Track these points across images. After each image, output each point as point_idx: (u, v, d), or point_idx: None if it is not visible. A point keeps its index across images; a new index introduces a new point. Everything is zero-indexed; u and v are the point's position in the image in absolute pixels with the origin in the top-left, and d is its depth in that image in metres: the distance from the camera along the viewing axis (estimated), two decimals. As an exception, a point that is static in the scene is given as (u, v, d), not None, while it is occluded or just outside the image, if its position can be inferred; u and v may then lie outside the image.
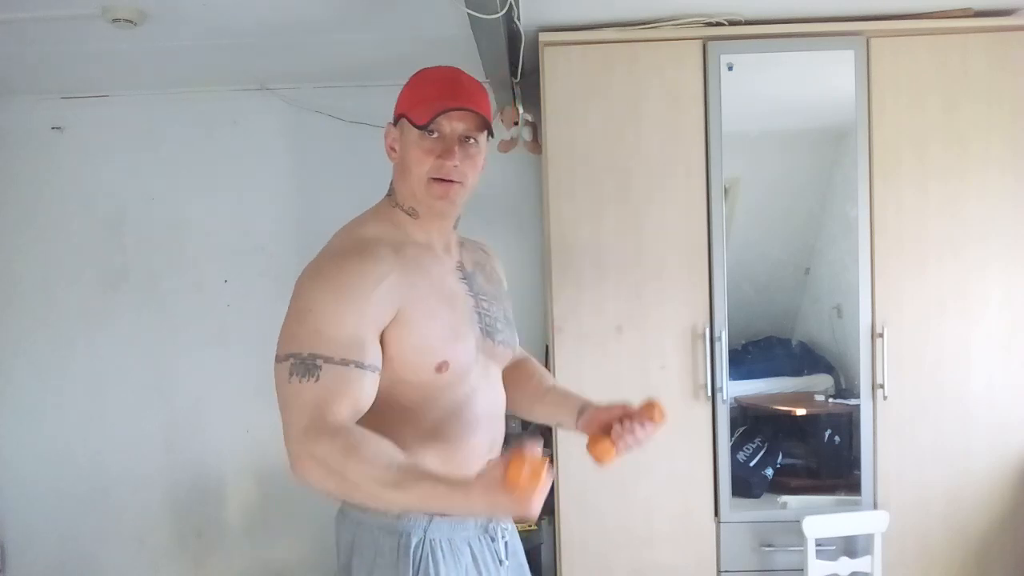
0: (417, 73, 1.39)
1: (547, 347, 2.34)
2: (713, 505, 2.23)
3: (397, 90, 1.52)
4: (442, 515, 1.32)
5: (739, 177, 2.27)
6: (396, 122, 1.38)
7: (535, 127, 2.51)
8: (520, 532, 2.39)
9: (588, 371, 2.22)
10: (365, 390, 1.21)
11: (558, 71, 2.20)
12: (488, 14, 1.82)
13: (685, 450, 2.22)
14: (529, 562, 2.50)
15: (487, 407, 1.41)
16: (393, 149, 1.38)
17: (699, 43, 2.18)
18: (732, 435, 2.25)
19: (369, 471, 1.12)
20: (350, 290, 1.23)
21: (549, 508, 2.46)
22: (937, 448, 2.20)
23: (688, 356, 2.21)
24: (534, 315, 2.83)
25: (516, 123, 2.54)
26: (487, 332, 1.42)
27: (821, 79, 2.26)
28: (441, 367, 1.30)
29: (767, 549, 2.22)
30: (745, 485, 2.25)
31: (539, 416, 1.65)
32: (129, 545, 2.94)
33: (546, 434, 2.51)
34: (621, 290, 2.21)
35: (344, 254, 1.29)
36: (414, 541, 1.32)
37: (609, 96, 2.20)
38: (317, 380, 1.18)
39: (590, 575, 2.24)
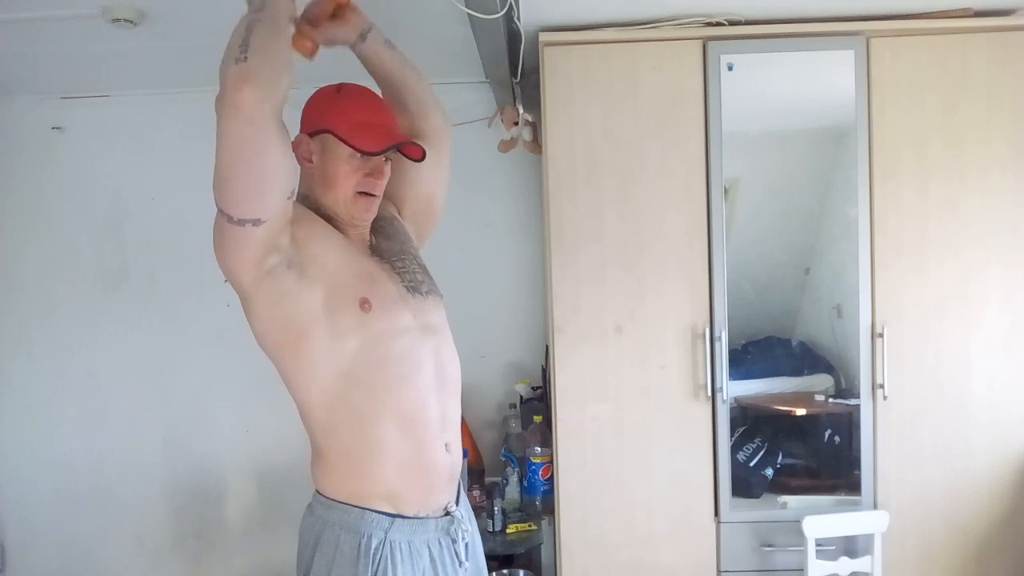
0: (337, 91, 1.47)
1: (547, 347, 2.34)
2: (713, 505, 2.23)
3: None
4: (402, 517, 1.40)
5: (739, 177, 2.27)
6: (313, 135, 1.44)
7: (535, 127, 2.51)
8: (520, 532, 2.41)
9: (588, 371, 2.22)
10: None
11: (558, 71, 2.20)
12: (488, 14, 1.83)
13: (685, 450, 2.22)
14: (529, 562, 2.53)
15: (436, 377, 1.47)
16: (309, 160, 1.45)
17: (699, 43, 2.18)
18: (732, 435, 2.25)
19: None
20: None
21: (549, 508, 2.47)
22: (937, 448, 2.20)
23: (688, 356, 2.21)
24: (534, 315, 2.83)
25: (516, 123, 2.54)
26: (412, 288, 1.49)
27: (821, 79, 2.25)
28: (363, 304, 1.38)
29: (767, 549, 2.22)
30: (745, 485, 2.25)
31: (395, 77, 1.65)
32: (129, 545, 2.94)
33: (546, 433, 2.52)
34: (621, 290, 2.21)
35: None
36: (374, 543, 1.37)
37: (609, 96, 2.20)
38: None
39: (590, 575, 2.24)
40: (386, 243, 1.55)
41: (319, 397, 1.39)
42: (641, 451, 2.23)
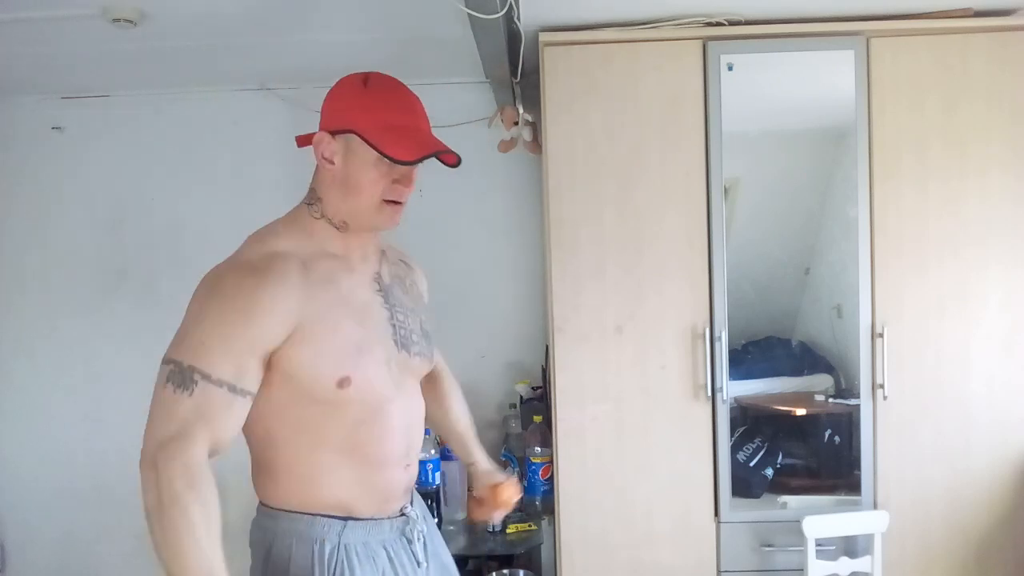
0: (363, 84, 1.34)
1: (547, 347, 2.35)
2: (713, 505, 2.23)
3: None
4: (355, 519, 1.35)
5: (739, 177, 2.27)
6: (335, 133, 1.32)
7: (535, 127, 2.51)
8: (520, 532, 2.41)
9: (588, 371, 2.22)
10: (234, 415, 1.24)
11: (558, 71, 2.20)
12: (488, 14, 1.83)
13: (685, 450, 2.22)
14: (529, 562, 2.53)
15: (402, 417, 1.40)
16: (331, 162, 1.33)
17: (699, 43, 2.18)
18: (732, 435, 2.25)
19: (185, 536, 1.18)
20: (242, 313, 1.23)
21: (549, 508, 2.46)
22: (937, 448, 2.20)
23: (688, 356, 2.21)
24: (534, 315, 2.83)
25: (516, 123, 2.54)
26: (402, 344, 1.41)
27: (821, 79, 2.25)
28: (342, 383, 1.28)
29: (767, 549, 2.22)
30: (745, 485, 2.25)
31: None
32: (129, 544, 2.93)
33: (546, 433, 2.52)
34: (621, 290, 2.21)
35: (247, 270, 1.28)
36: (328, 548, 1.31)
37: (609, 96, 2.20)
38: (191, 395, 1.20)
39: (590, 575, 2.24)
40: (402, 295, 1.47)
41: (260, 407, 1.29)
42: (641, 451, 2.23)
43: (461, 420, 1.75)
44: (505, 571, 2.48)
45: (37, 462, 2.92)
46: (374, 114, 1.30)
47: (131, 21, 2.01)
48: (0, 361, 2.92)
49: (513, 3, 1.90)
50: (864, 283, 2.19)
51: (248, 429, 1.33)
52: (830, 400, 2.35)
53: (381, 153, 1.28)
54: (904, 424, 2.20)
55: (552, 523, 2.36)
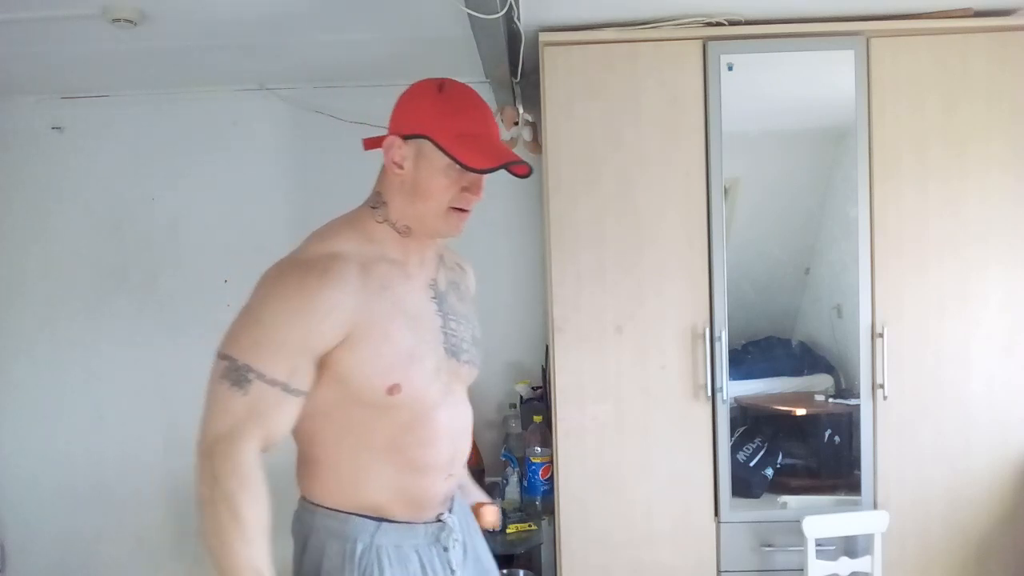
0: (439, 90, 1.32)
1: (547, 347, 2.35)
2: (713, 505, 2.23)
3: (397, 90, 1.42)
4: (389, 521, 1.35)
5: (739, 177, 2.27)
6: (407, 138, 1.31)
7: (535, 127, 2.51)
8: (520, 532, 2.41)
9: (588, 371, 2.22)
10: (286, 413, 1.26)
11: (558, 71, 2.20)
12: (488, 14, 1.83)
13: (685, 450, 2.22)
14: (529, 562, 2.53)
15: (449, 423, 1.39)
16: (400, 167, 1.32)
17: (699, 43, 2.18)
18: (732, 435, 2.25)
19: (233, 532, 1.20)
20: (299, 314, 1.24)
21: (549, 508, 2.46)
22: (937, 448, 2.21)
23: (688, 356, 2.21)
24: (534, 315, 2.83)
25: (516, 123, 2.54)
26: (452, 352, 1.41)
27: (821, 79, 2.26)
28: (392, 389, 1.29)
29: (767, 549, 2.22)
30: (745, 485, 2.25)
31: None
32: (129, 545, 2.94)
33: (546, 433, 2.52)
34: (621, 290, 2.21)
35: (309, 269, 1.28)
36: (360, 548, 1.32)
37: (609, 96, 2.20)
38: (245, 394, 1.22)
39: (590, 575, 2.24)
40: (457, 302, 1.47)
41: (308, 405, 1.30)
42: (641, 451, 2.23)
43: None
44: (505, 571, 2.48)
45: (37, 462, 2.92)
46: (448, 120, 1.30)
47: (131, 21, 2.01)
48: (0, 361, 2.92)
49: (513, 3, 1.90)
50: (864, 283, 2.19)
51: (295, 424, 1.34)
52: (830, 400, 2.36)
53: (455, 160, 1.28)
54: (904, 424, 2.20)
55: (552, 523, 2.36)
